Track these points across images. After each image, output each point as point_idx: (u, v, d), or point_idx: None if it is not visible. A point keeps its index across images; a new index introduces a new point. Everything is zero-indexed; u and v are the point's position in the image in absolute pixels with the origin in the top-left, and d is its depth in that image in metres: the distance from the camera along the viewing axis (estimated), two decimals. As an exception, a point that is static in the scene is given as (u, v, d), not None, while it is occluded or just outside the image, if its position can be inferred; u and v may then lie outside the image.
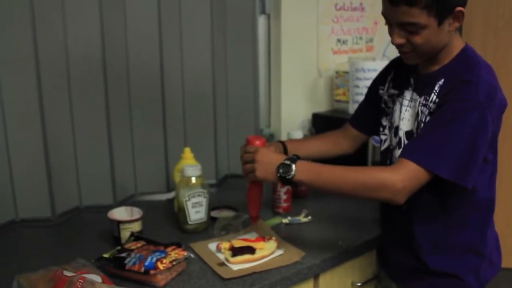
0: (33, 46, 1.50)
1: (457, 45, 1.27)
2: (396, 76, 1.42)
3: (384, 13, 1.23)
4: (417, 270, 1.35)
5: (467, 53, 1.26)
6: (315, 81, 2.20)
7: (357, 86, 2.04)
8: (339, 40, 2.27)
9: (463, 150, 1.15)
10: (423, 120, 1.25)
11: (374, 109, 1.48)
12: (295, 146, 1.53)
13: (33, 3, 1.48)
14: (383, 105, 1.44)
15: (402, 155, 1.19)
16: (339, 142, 1.59)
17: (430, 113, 1.23)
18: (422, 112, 1.27)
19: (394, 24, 1.20)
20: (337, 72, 2.19)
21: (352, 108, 2.07)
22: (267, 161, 1.25)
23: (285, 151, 1.49)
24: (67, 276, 1.12)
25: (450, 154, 1.15)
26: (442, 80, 1.23)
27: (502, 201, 3.01)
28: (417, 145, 1.20)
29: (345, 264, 1.46)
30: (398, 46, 1.24)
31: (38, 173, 1.59)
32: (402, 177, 1.15)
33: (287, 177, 1.21)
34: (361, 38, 2.36)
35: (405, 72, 1.36)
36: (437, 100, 1.22)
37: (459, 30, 2.34)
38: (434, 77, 1.26)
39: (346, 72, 2.12)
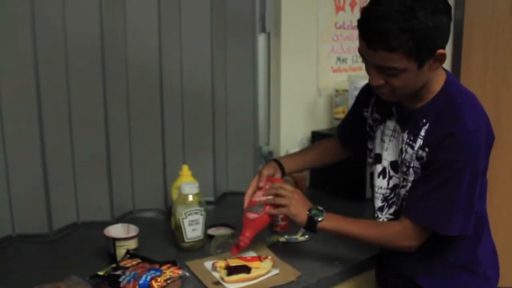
0: (32, 46, 1.50)
1: (438, 80, 1.24)
2: (378, 102, 1.39)
3: (361, 53, 1.19)
4: None
5: (449, 91, 1.23)
6: (314, 99, 2.21)
7: (356, 105, 2.04)
8: (339, 59, 2.28)
9: (463, 206, 1.20)
10: (410, 162, 1.26)
11: (358, 128, 1.48)
12: (290, 162, 1.56)
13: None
14: (368, 129, 1.44)
15: (409, 216, 1.25)
16: (334, 150, 1.62)
17: (417, 158, 1.24)
18: (406, 151, 1.27)
19: (372, 65, 1.17)
20: (336, 90, 2.20)
21: (351, 126, 2.08)
22: (302, 202, 1.36)
23: (282, 169, 1.52)
24: (60, 294, 1.12)
25: (452, 213, 1.20)
26: (428, 125, 1.23)
27: (503, 218, 3.00)
28: (420, 205, 1.24)
29: (342, 284, 1.45)
30: (359, 63, 1.25)
31: (35, 189, 1.59)
32: (409, 237, 1.25)
33: (316, 219, 1.31)
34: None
35: (386, 101, 1.33)
36: (426, 149, 1.22)
37: (458, 51, 2.37)
38: (417, 115, 1.25)
39: (346, 90, 2.13)
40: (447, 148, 1.17)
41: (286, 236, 1.59)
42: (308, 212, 1.32)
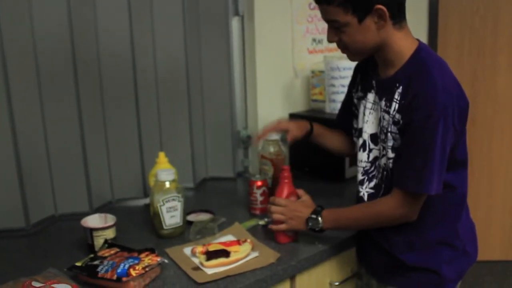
0: None
1: (408, 46, 1.27)
2: (362, 79, 1.44)
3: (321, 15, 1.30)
4: (395, 266, 1.37)
5: (420, 55, 1.26)
6: (291, 81, 2.20)
7: (333, 85, 2.04)
8: (314, 40, 2.26)
9: (438, 163, 1.21)
10: (387, 127, 1.28)
11: (351, 113, 1.50)
12: (320, 133, 1.62)
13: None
14: (353, 108, 1.47)
15: (397, 185, 1.28)
16: (345, 141, 1.62)
17: (394, 123, 1.26)
18: (383, 118, 1.30)
19: (325, 21, 1.28)
20: (313, 72, 2.19)
21: (329, 107, 2.08)
22: (297, 215, 1.40)
23: (311, 132, 1.59)
24: (35, 287, 1.11)
25: (431, 171, 1.21)
26: (401, 87, 1.25)
27: (483, 196, 3.05)
28: (402, 173, 1.26)
29: (322, 264, 1.46)
30: (335, 44, 1.30)
31: (9, 182, 1.56)
32: (399, 205, 1.27)
33: (315, 229, 1.38)
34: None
35: (369, 75, 1.39)
36: (401, 111, 1.24)
37: (435, 28, 2.38)
38: (391, 81, 1.28)
39: (322, 71, 2.12)
40: (417, 106, 1.19)
41: (265, 219, 1.58)
42: (306, 225, 1.39)
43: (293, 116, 2.14)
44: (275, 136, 1.80)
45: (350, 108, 1.51)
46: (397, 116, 1.25)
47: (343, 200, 1.68)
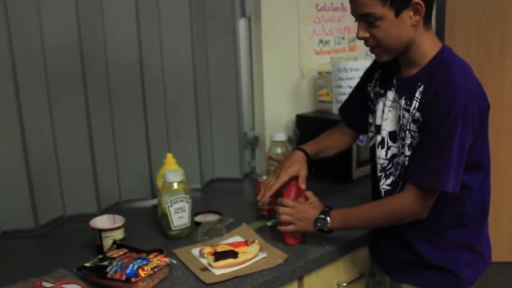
0: (8, 45, 1.49)
1: (433, 47, 1.28)
2: (382, 75, 1.44)
3: (351, 11, 1.28)
4: (411, 263, 1.37)
5: (443, 56, 1.27)
6: (298, 82, 2.20)
7: (340, 86, 2.04)
8: (321, 41, 2.27)
9: (456, 162, 1.20)
10: (407, 125, 1.28)
11: (362, 105, 1.50)
12: (315, 150, 1.58)
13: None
14: (369, 103, 1.47)
15: (411, 181, 1.27)
16: (342, 138, 1.63)
17: (414, 121, 1.26)
18: (403, 116, 1.30)
19: (357, 18, 1.26)
20: (319, 73, 2.19)
21: (336, 108, 2.07)
22: (305, 216, 1.39)
23: (308, 157, 1.54)
24: (45, 287, 1.11)
25: (448, 168, 1.20)
26: (422, 86, 1.25)
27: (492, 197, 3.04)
28: (418, 169, 1.26)
29: (330, 265, 1.46)
30: (365, 42, 1.28)
31: (19, 184, 1.57)
32: (412, 202, 1.26)
33: (324, 229, 1.38)
34: (343, 38, 2.37)
35: (390, 73, 1.39)
36: (421, 109, 1.24)
37: (441, 29, 2.36)
38: (413, 80, 1.28)
39: (329, 73, 2.12)
40: (437, 104, 1.19)
41: (273, 220, 1.59)
42: (314, 226, 1.39)
43: (300, 117, 2.14)
44: (282, 137, 1.81)
45: (360, 101, 1.50)
46: (417, 114, 1.25)
47: (350, 201, 1.67)
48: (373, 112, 1.44)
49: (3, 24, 1.47)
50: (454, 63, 1.25)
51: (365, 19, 1.24)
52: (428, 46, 1.27)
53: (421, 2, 1.19)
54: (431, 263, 1.33)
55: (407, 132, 1.28)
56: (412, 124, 1.26)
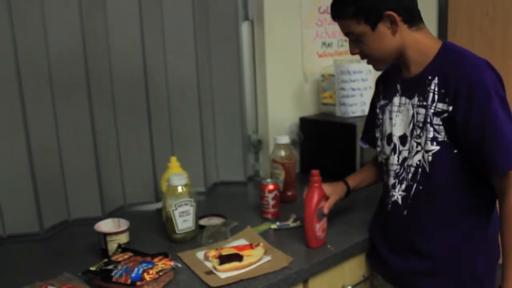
0: (13, 51, 1.50)
1: (432, 44, 1.29)
2: (385, 88, 1.45)
3: None
4: (422, 273, 1.36)
5: (448, 48, 1.28)
6: (301, 85, 2.21)
7: (343, 89, 2.05)
8: (324, 43, 2.27)
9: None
10: (422, 121, 1.27)
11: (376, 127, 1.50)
12: (356, 184, 1.58)
13: (11, 3, 1.47)
14: (376, 120, 1.48)
15: (500, 171, 1.20)
16: (377, 170, 1.59)
17: (436, 114, 1.24)
18: (418, 113, 1.29)
19: (344, 35, 1.35)
20: (323, 75, 2.19)
21: (339, 110, 2.08)
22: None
23: (348, 191, 1.56)
24: (51, 291, 1.11)
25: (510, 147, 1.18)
26: (436, 78, 1.25)
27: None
28: (502, 157, 1.19)
29: (335, 268, 1.46)
30: (345, 48, 1.32)
31: (24, 188, 1.58)
32: None
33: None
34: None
35: (392, 81, 1.41)
36: (444, 100, 1.23)
37: (444, 31, 2.36)
38: (420, 77, 1.29)
39: (332, 75, 2.12)
40: (469, 93, 1.19)
41: (277, 223, 1.59)
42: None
43: (303, 120, 2.14)
44: (286, 140, 1.81)
45: (375, 122, 1.50)
46: (440, 105, 1.24)
47: (354, 203, 1.68)
48: (379, 126, 1.46)
49: (9, 31, 1.48)
50: (461, 49, 1.27)
51: (350, 37, 1.32)
52: (426, 44, 1.29)
53: (392, 13, 1.24)
54: (447, 273, 1.32)
55: (428, 125, 1.26)
56: (435, 118, 1.25)
